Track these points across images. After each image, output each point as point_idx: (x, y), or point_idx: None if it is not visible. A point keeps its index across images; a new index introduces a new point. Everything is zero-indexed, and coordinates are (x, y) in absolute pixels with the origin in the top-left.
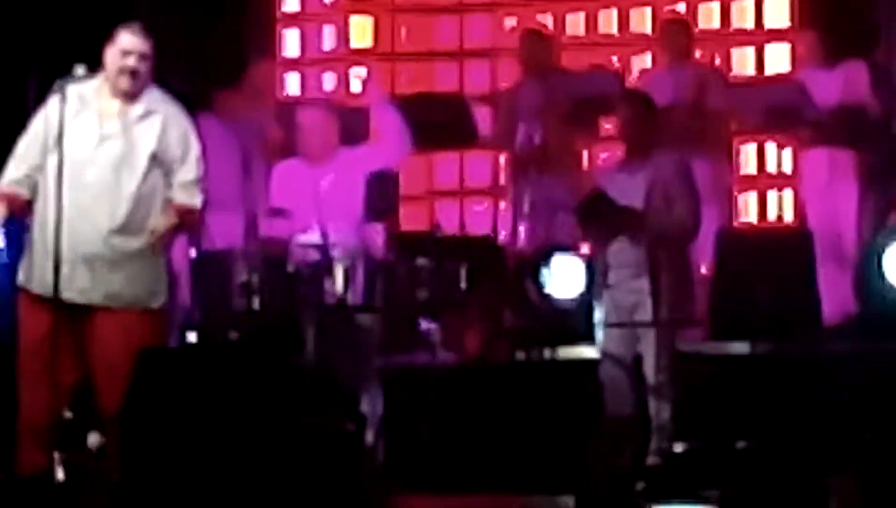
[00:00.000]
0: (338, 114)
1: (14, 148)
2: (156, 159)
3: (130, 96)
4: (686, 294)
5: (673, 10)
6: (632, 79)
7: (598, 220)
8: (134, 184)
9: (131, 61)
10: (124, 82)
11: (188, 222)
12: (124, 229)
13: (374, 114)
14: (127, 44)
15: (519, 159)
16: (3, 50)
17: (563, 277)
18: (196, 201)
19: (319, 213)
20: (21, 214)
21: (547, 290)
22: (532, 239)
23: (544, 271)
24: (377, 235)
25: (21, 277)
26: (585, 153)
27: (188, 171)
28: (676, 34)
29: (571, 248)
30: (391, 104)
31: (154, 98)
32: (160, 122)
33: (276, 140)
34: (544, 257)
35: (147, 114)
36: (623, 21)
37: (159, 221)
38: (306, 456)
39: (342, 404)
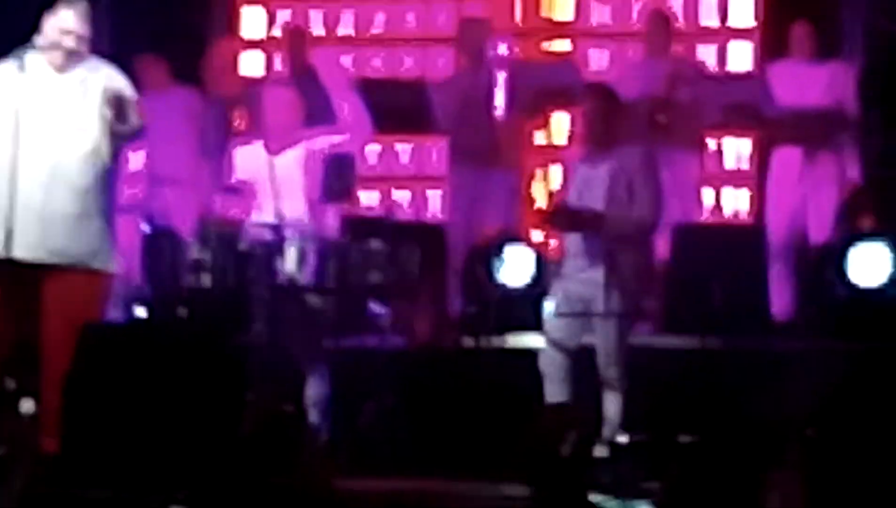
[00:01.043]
0: (303, 93)
1: None
2: (101, 120)
3: (60, 69)
4: (642, 287)
5: (658, 4)
6: (604, 71)
7: (562, 229)
8: (76, 141)
9: (69, 41)
10: (58, 58)
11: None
12: (67, 185)
13: (336, 97)
14: (59, 19)
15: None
16: None
17: (514, 266)
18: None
19: (276, 192)
20: None
21: (497, 278)
22: (484, 227)
23: (495, 260)
24: (332, 217)
25: None
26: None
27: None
28: (660, 27)
29: (523, 237)
30: (354, 88)
31: (93, 65)
32: (104, 80)
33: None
34: (496, 246)
35: (90, 75)
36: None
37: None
38: (246, 436)
39: (283, 384)
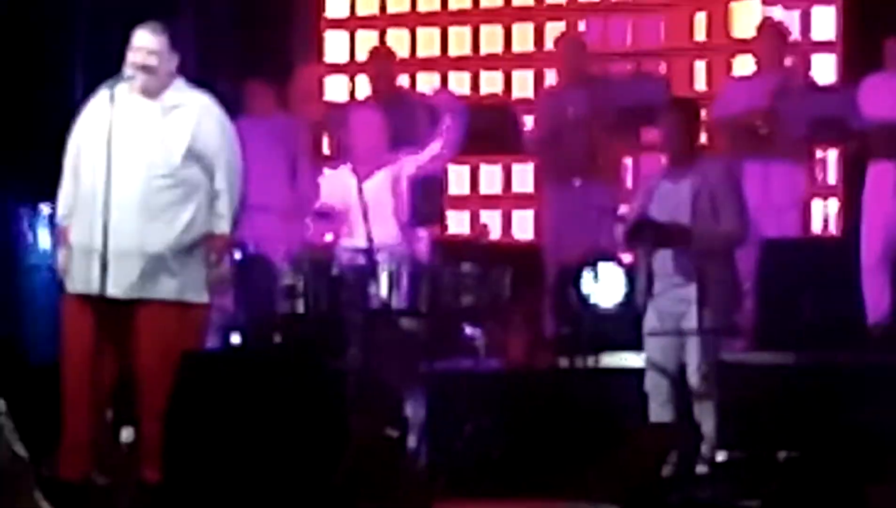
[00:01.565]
0: (387, 115)
1: (65, 154)
2: (191, 153)
3: (147, 93)
4: (732, 303)
5: (769, 17)
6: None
7: (645, 243)
8: (166, 175)
9: (139, 57)
10: (145, 82)
11: (219, 250)
12: (158, 220)
13: (418, 113)
14: (136, 41)
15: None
16: (52, 45)
17: (605, 285)
18: (225, 228)
19: (365, 216)
20: None
21: (588, 298)
22: (575, 246)
23: (586, 279)
24: (423, 239)
25: (73, 283)
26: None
27: (218, 187)
28: (774, 40)
29: (614, 256)
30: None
31: (185, 92)
32: (193, 116)
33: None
34: (586, 266)
35: (176, 107)
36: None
37: (210, 276)
38: (349, 460)
39: (385, 409)
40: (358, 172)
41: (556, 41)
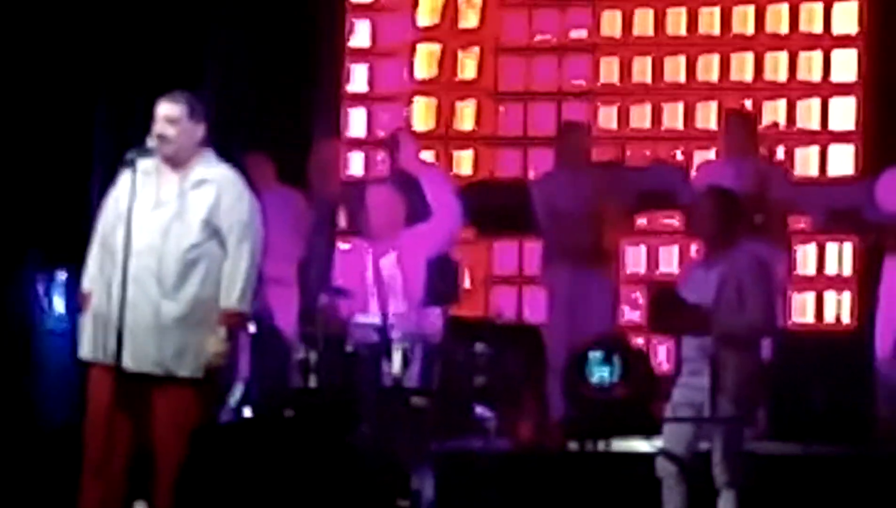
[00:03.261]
0: (404, 193)
1: (90, 225)
2: (208, 226)
3: (171, 163)
4: (751, 392)
5: (740, 105)
6: (692, 171)
7: (666, 316)
8: (182, 249)
9: (158, 126)
10: (158, 148)
11: (233, 325)
12: (174, 295)
13: (428, 189)
14: (157, 109)
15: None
16: (73, 116)
17: (615, 369)
18: (240, 304)
19: (380, 293)
20: None
21: (598, 381)
22: (585, 329)
23: (591, 363)
24: (436, 319)
25: (84, 349)
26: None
27: (231, 262)
28: (741, 127)
29: (623, 339)
30: (446, 178)
31: (211, 166)
32: (214, 189)
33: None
34: (595, 349)
35: (202, 182)
36: (688, 115)
37: (210, 346)
38: None
39: (395, 482)
40: (374, 248)
41: (563, 127)
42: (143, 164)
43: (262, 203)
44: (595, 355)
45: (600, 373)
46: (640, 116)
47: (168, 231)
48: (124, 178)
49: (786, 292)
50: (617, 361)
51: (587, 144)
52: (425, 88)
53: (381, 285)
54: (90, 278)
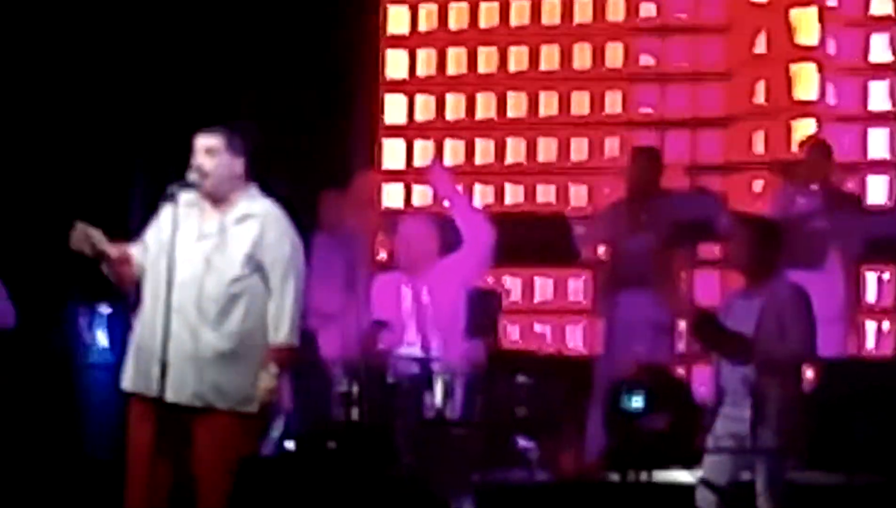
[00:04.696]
0: (439, 224)
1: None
2: (251, 261)
3: (213, 198)
4: (793, 422)
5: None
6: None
7: (705, 340)
8: (224, 282)
9: (197, 158)
10: (198, 182)
11: (284, 361)
12: (215, 328)
13: (457, 216)
14: (196, 142)
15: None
16: (111, 150)
17: (657, 401)
18: (289, 339)
19: (419, 326)
20: (127, 282)
21: (633, 413)
22: (628, 359)
23: (632, 394)
24: (478, 350)
25: (126, 380)
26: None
27: (277, 297)
28: (820, 156)
29: (667, 370)
30: (475, 207)
31: (255, 201)
32: (258, 225)
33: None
34: (633, 380)
35: (245, 217)
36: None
37: (262, 382)
38: None
39: None
40: (414, 281)
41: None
42: (185, 198)
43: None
44: (635, 386)
45: (641, 404)
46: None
47: (210, 264)
48: (166, 211)
49: (848, 320)
50: (658, 391)
51: (659, 170)
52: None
53: (421, 317)
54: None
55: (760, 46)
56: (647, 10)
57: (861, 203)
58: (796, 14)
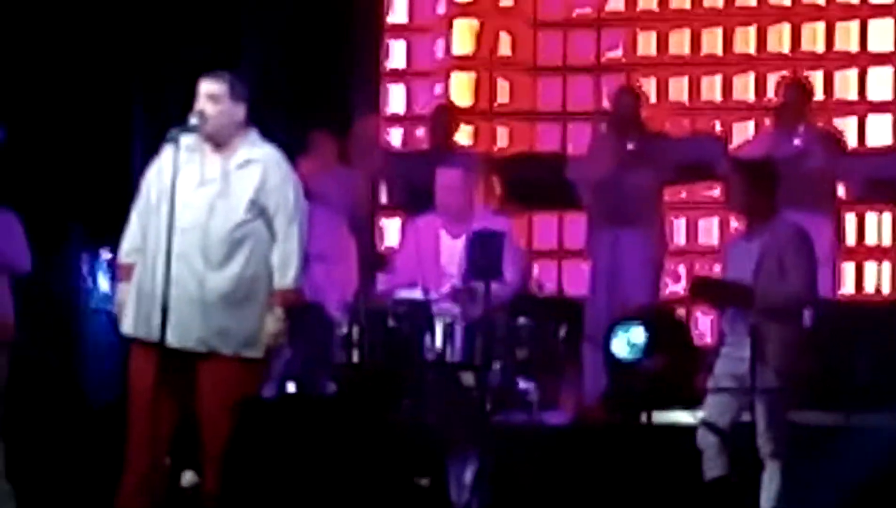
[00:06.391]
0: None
1: (130, 202)
2: (255, 206)
3: (214, 142)
4: (793, 362)
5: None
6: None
7: (707, 300)
8: (228, 227)
9: (200, 103)
10: (200, 126)
11: (291, 303)
12: (219, 272)
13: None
14: (199, 87)
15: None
16: (111, 97)
17: (655, 341)
18: (296, 283)
19: (443, 271)
20: None
21: (633, 354)
22: (626, 300)
23: (631, 335)
24: (480, 293)
25: (126, 325)
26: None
27: (283, 241)
28: (795, 95)
29: (663, 312)
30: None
31: (256, 147)
32: (260, 170)
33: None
34: (632, 321)
35: (247, 162)
36: (726, 87)
37: (268, 325)
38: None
39: (420, 459)
40: (449, 229)
41: (613, 95)
42: (186, 141)
43: (326, 181)
44: (635, 326)
45: (640, 345)
46: (678, 89)
47: (214, 209)
48: (167, 153)
49: (835, 262)
50: (657, 332)
51: (639, 111)
52: (463, 63)
53: (450, 265)
54: (130, 251)
55: None
56: None
57: (845, 143)
58: None
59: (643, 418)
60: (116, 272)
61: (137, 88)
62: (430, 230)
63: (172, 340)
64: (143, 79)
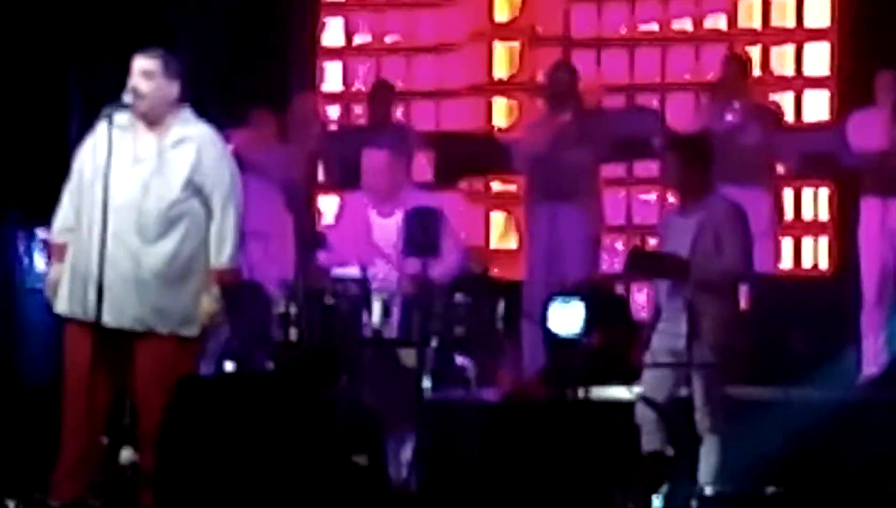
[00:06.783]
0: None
1: (65, 182)
2: (190, 185)
3: (148, 120)
4: (729, 338)
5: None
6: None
7: (643, 272)
8: (163, 206)
9: (133, 80)
10: (134, 103)
11: (227, 283)
12: (154, 250)
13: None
14: (133, 64)
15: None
16: (46, 74)
17: (593, 316)
18: (232, 262)
19: (377, 250)
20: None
21: (571, 329)
22: (561, 274)
23: (569, 310)
24: (416, 269)
25: (61, 305)
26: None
27: (219, 220)
28: (734, 69)
29: (600, 287)
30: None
31: (189, 125)
32: (195, 149)
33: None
34: (570, 296)
35: (182, 140)
36: (665, 63)
37: (204, 304)
38: (326, 488)
39: (357, 436)
40: (379, 209)
41: (549, 70)
42: (120, 119)
43: (264, 158)
44: (573, 301)
45: (578, 320)
46: (617, 65)
47: (148, 188)
48: (101, 131)
49: (775, 236)
50: (595, 307)
51: (575, 87)
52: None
53: (380, 244)
54: (62, 231)
55: None
56: None
57: (782, 118)
58: None
59: (581, 393)
60: (52, 254)
61: (73, 66)
62: (358, 209)
63: (108, 319)
64: (79, 57)
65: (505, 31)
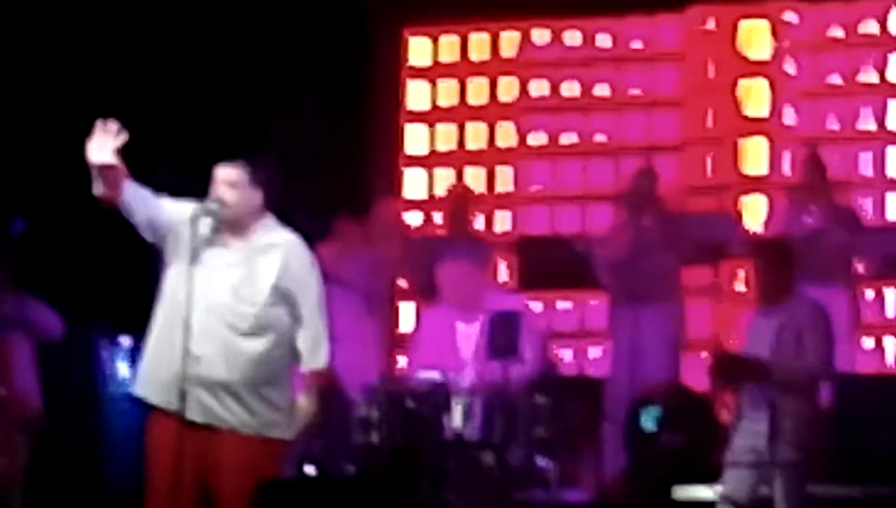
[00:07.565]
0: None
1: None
2: (277, 291)
3: (231, 228)
4: (811, 436)
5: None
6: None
7: (727, 378)
8: (252, 311)
9: (218, 190)
10: (218, 211)
11: (322, 384)
12: (246, 352)
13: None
14: (216, 173)
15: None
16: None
17: (675, 419)
18: (323, 361)
19: (461, 358)
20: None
21: (649, 431)
22: (645, 379)
23: (646, 413)
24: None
25: (143, 391)
26: None
27: (311, 324)
28: (814, 170)
29: (685, 388)
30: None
31: (275, 231)
32: (281, 255)
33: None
34: (657, 399)
35: (269, 247)
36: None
37: (303, 406)
38: None
39: None
40: (462, 317)
41: (632, 175)
42: (204, 225)
43: (347, 264)
44: (655, 404)
45: (660, 422)
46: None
47: (239, 293)
48: (186, 234)
49: (855, 335)
50: (676, 409)
51: (656, 189)
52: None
53: (465, 351)
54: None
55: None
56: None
57: (860, 219)
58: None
59: (663, 494)
60: None
61: (161, 174)
62: (444, 321)
63: (198, 418)
64: (167, 166)
65: None
